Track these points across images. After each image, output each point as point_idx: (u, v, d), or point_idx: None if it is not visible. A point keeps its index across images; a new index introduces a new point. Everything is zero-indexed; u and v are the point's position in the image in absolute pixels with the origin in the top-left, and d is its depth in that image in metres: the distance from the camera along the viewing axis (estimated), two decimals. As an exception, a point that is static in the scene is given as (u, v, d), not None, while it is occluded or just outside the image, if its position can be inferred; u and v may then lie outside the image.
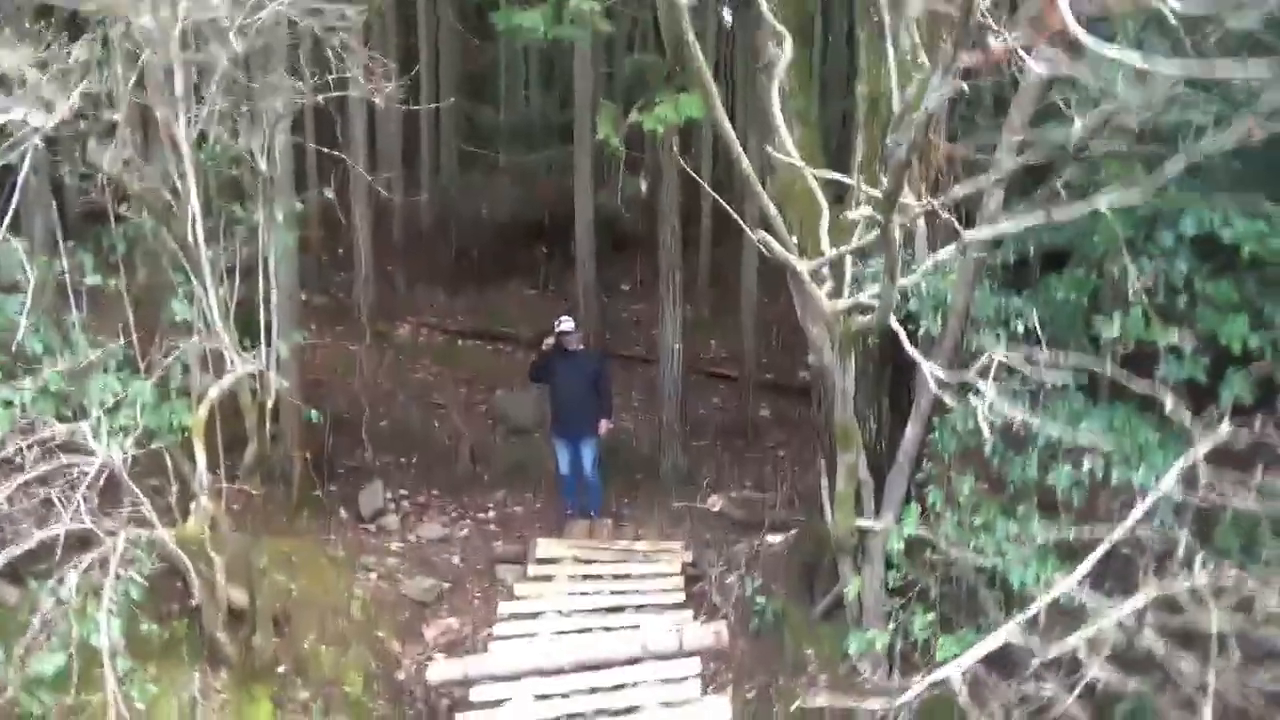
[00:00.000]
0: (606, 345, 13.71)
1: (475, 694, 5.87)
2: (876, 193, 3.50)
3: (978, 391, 4.10)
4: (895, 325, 4.27)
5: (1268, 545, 3.59)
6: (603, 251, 14.33)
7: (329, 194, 6.63)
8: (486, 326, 14.41)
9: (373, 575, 8.00)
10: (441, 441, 11.03)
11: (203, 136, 5.63)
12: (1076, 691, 3.15)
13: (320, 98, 5.46)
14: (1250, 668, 3.46)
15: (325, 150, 9.17)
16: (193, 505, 4.89)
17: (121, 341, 5.78)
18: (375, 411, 11.46)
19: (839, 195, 6.26)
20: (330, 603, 7.25)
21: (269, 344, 5.92)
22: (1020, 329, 5.13)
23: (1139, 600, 3.00)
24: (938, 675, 2.60)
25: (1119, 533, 3.04)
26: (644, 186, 8.09)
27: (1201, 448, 3.21)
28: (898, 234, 3.45)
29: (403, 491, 9.94)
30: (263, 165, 5.23)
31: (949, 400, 4.08)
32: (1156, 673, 4.44)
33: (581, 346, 8.77)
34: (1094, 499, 4.62)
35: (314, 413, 6.75)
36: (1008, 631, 2.75)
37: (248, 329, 6.57)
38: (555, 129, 17.07)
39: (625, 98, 7.54)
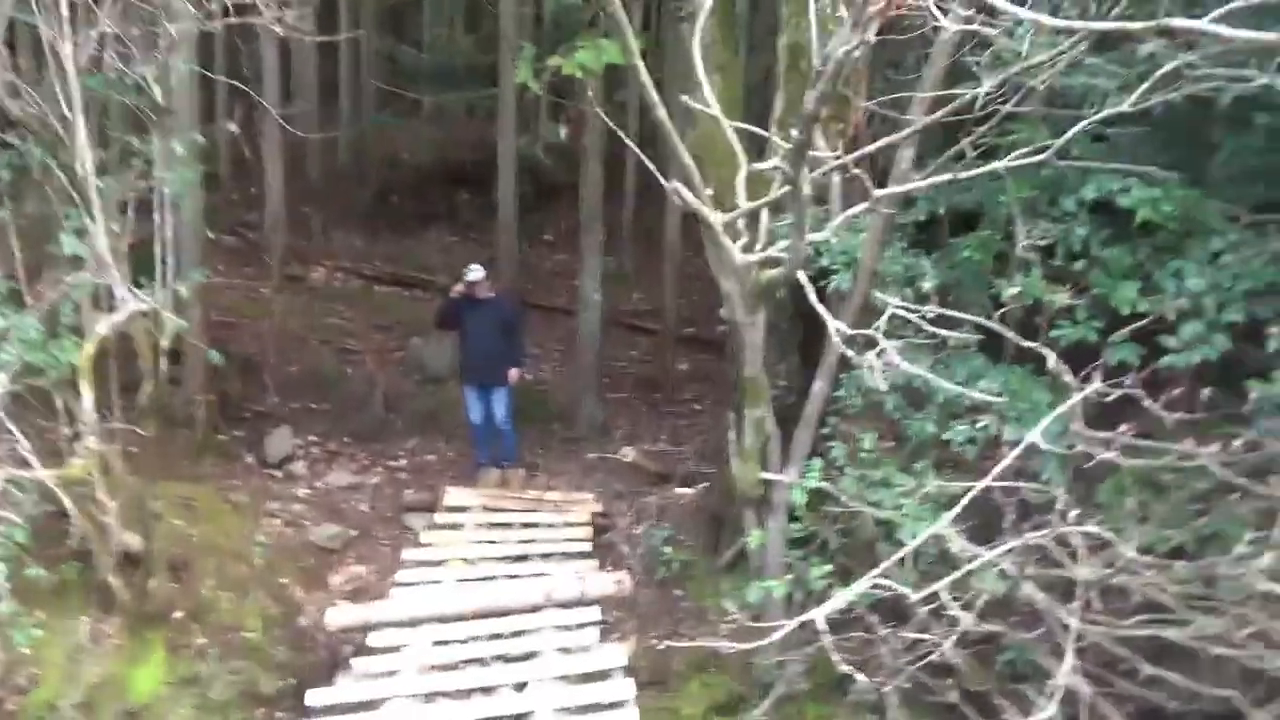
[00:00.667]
0: (526, 294, 13.57)
1: (373, 639, 5.83)
2: (789, 145, 3.49)
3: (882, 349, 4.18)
4: (804, 279, 4.29)
5: (1132, 498, 3.76)
6: (526, 199, 14.12)
7: (232, 128, 6.32)
8: (404, 272, 14.14)
9: (277, 521, 7.85)
10: (355, 388, 10.82)
11: (97, 62, 5.32)
12: (953, 639, 3.26)
13: (219, 24, 5.20)
14: (1118, 616, 3.63)
15: (234, 84, 8.82)
16: (78, 447, 4.68)
17: (2, 275, 5.50)
18: (286, 356, 11.18)
19: (761, 150, 6.27)
20: (232, 548, 7.10)
21: (165, 283, 5.68)
22: (926, 288, 5.23)
23: (1009, 549, 3.11)
24: (803, 618, 2.66)
25: (985, 482, 3.14)
26: (564, 133, 7.93)
27: (1077, 405, 3.32)
28: (807, 188, 3.45)
29: (312, 438, 9.74)
30: (158, 94, 4.95)
31: (853, 356, 4.13)
32: (1038, 624, 4.64)
33: (492, 294, 8.61)
34: (990, 456, 4.76)
35: (215, 354, 6.52)
36: (876, 577, 2.83)
37: (149, 267, 6.29)
38: (479, 72, 16.67)
39: (551, 40, 7.32)
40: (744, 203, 5.10)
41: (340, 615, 6.01)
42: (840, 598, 2.59)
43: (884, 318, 3.85)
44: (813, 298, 4.20)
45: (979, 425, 4.76)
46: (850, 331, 3.98)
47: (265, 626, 6.29)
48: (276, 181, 13.31)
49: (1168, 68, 3.48)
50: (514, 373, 8.59)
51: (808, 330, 6.35)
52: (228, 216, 14.28)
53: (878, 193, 4.11)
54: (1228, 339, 4.66)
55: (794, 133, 3.27)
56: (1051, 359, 3.80)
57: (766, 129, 6.26)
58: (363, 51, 16.89)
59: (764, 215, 5.29)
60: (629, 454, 8.55)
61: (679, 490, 7.81)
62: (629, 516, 7.57)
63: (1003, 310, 5.21)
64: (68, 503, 5.48)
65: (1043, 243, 5.14)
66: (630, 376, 12.09)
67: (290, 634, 6.40)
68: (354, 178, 16.31)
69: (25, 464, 4.71)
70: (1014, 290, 4.82)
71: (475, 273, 8.39)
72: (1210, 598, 4.06)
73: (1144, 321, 4.62)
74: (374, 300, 13.33)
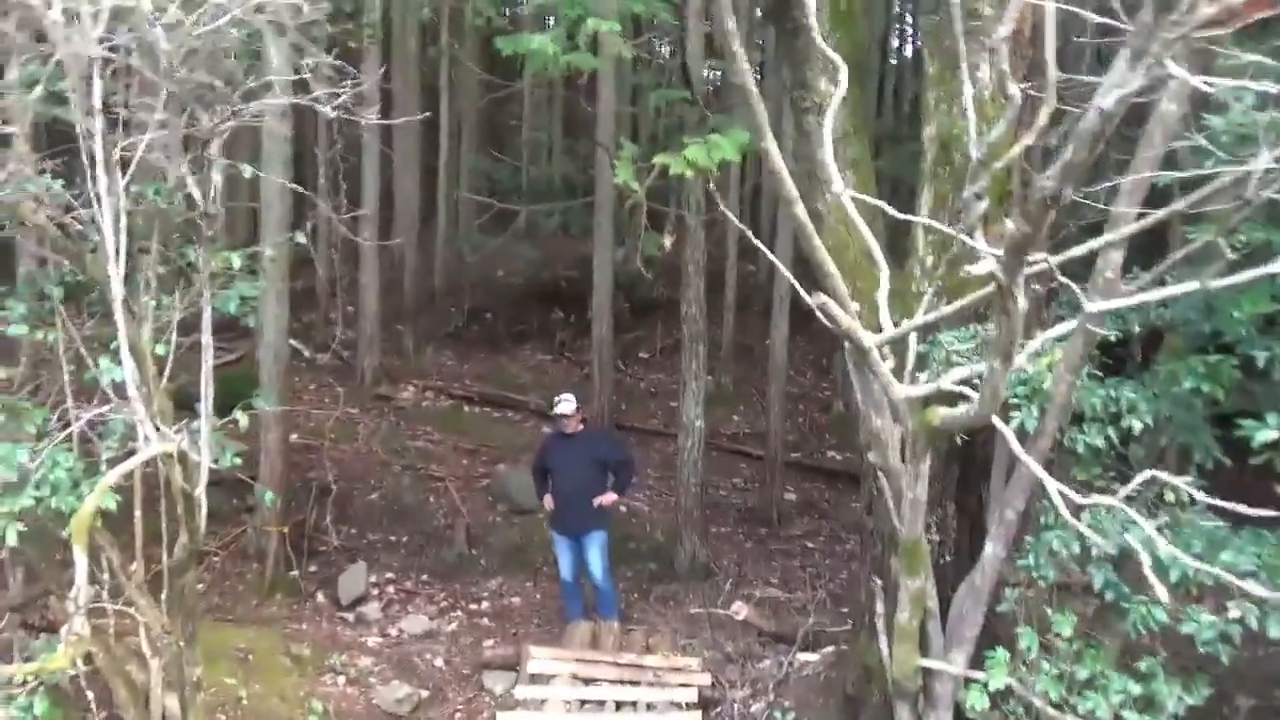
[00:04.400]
0: (620, 416, 12.70)
1: None
2: (995, 251, 2.53)
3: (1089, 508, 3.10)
4: (998, 422, 3.25)
5: None
6: (621, 316, 13.48)
7: (300, 239, 5.72)
8: (496, 392, 13.52)
9: (340, 679, 6.93)
10: (436, 519, 10.02)
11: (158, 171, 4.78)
12: None
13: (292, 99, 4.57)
14: None
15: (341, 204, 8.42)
16: (63, 630, 3.82)
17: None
18: (367, 483, 10.51)
19: (900, 258, 5.34)
20: (285, 715, 6.22)
21: (228, 414, 4.92)
22: (1135, 427, 4.11)
23: None
24: None
25: None
26: (667, 242, 7.14)
27: None
28: (1024, 300, 2.47)
29: (389, 575, 8.92)
30: (213, 203, 4.34)
31: (1068, 516, 3.05)
32: None
33: (580, 428, 7.48)
34: (1252, 656, 3.53)
35: (269, 494, 5.78)
36: None
37: (245, 390, 5.68)
38: (576, 188, 16.43)
39: (650, 145, 6.63)
40: (888, 320, 4.12)
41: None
42: None
43: (1136, 482, 2.77)
44: (1014, 444, 3.14)
45: (1232, 616, 3.53)
46: (1068, 492, 2.90)
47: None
48: (371, 298, 13.03)
49: None
50: (609, 498, 7.30)
51: (962, 478, 5.23)
52: (325, 334, 14.02)
53: (1092, 307, 3.08)
54: None
55: (1010, 226, 2.30)
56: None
57: (905, 234, 5.38)
58: (462, 169, 16.89)
59: (911, 337, 4.33)
60: (740, 610, 7.33)
61: (801, 656, 6.58)
62: (743, 689, 6.34)
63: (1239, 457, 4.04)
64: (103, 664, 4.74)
65: (1291, 369, 3.98)
66: (733, 508, 10.97)
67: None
68: (449, 296, 16.04)
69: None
70: (1271, 434, 3.65)
71: (565, 404, 7.30)
72: None
73: None
74: (462, 421, 12.66)
